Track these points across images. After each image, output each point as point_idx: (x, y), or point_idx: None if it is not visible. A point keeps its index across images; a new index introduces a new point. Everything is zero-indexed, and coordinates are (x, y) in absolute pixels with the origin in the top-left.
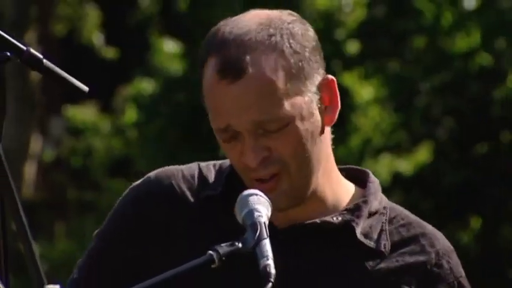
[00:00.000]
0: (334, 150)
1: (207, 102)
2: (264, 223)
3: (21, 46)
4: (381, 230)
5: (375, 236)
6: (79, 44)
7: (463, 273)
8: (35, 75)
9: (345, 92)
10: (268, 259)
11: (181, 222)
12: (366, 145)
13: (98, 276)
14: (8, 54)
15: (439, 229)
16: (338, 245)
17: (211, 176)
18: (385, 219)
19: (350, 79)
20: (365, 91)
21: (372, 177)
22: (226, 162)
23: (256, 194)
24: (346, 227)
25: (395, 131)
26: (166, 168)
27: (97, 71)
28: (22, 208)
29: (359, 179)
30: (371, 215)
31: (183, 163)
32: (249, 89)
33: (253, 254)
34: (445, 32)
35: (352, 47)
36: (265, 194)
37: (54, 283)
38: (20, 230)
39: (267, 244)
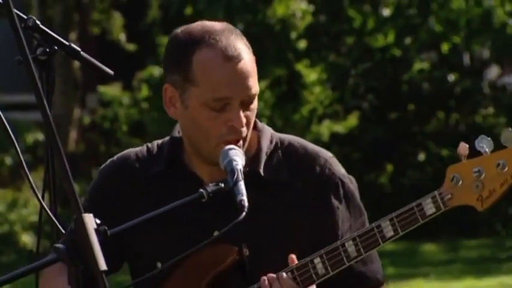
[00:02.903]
0: (291, 117)
1: (206, 78)
2: (240, 169)
3: (65, 42)
4: (277, 164)
5: (274, 171)
6: (108, 40)
7: (343, 172)
8: (76, 63)
9: (298, 76)
10: (243, 195)
11: (138, 193)
12: (312, 113)
13: None
14: (56, 48)
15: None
16: (253, 186)
17: (155, 153)
18: (279, 153)
19: (301, 67)
20: (311, 75)
21: (259, 122)
22: (166, 140)
23: (235, 149)
24: (253, 173)
25: (333, 104)
26: (125, 151)
27: (121, 60)
28: (65, 158)
29: (253, 126)
30: (267, 154)
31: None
32: (247, 71)
33: (232, 192)
34: (368, 32)
35: (302, 44)
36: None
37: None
38: (64, 174)
39: (242, 185)
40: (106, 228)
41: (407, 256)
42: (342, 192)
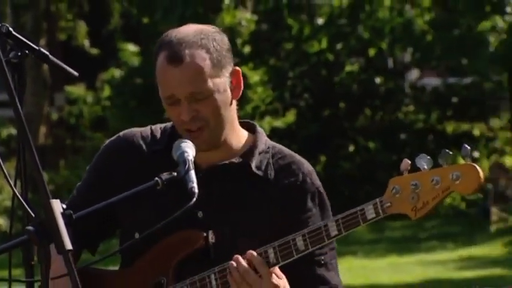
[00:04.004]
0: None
1: (158, 80)
2: (190, 160)
3: (35, 47)
4: (267, 163)
5: (263, 168)
6: (73, 45)
7: (321, 185)
8: (45, 66)
9: (243, 78)
10: (193, 183)
11: (138, 165)
12: (255, 110)
13: (88, 195)
14: (27, 52)
15: None
16: (240, 177)
17: (158, 135)
18: (270, 156)
19: (245, 69)
20: (254, 77)
21: (259, 127)
22: (169, 124)
23: (186, 142)
24: (244, 164)
25: (273, 102)
26: (131, 129)
27: (85, 63)
28: (35, 150)
29: (251, 129)
30: (260, 153)
31: (139, 124)
32: (186, 71)
33: (183, 180)
34: (304, 39)
35: (246, 49)
36: (192, 140)
37: (55, 198)
38: (34, 164)
39: (192, 173)
40: (71, 212)
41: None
42: (317, 200)
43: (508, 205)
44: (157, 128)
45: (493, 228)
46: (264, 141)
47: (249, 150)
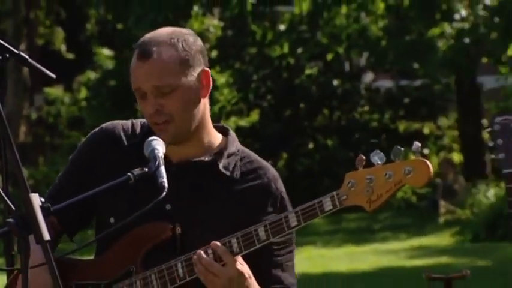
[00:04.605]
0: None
1: (131, 75)
2: (161, 157)
3: (16, 51)
4: (235, 165)
5: (231, 169)
6: (51, 50)
7: (284, 190)
8: (25, 69)
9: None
10: (163, 178)
11: (118, 156)
12: (222, 110)
13: (69, 184)
14: (8, 56)
15: (266, 160)
16: (209, 175)
17: (138, 129)
18: (238, 158)
19: (212, 72)
20: (221, 79)
21: (231, 131)
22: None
23: (157, 139)
24: (213, 163)
25: (238, 103)
26: (113, 122)
27: (62, 66)
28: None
29: (224, 132)
30: (229, 155)
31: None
32: (152, 66)
33: (154, 175)
34: (267, 44)
35: (213, 53)
36: (159, 133)
37: (34, 192)
38: (14, 160)
39: (162, 169)
40: (49, 205)
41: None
42: (279, 205)
43: (455, 198)
44: (138, 122)
45: (441, 219)
46: (235, 144)
47: (220, 151)
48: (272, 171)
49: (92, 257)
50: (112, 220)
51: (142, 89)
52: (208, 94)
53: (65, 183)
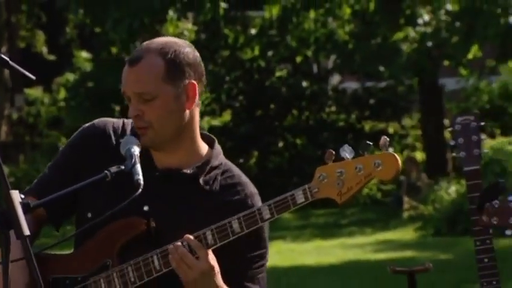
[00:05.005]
0: None
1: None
2: (136, 155)
3: None
4: (215, 179)
5: (211, 183)
6: (32, 52)
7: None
8: (6, 71)
9: None
10: (139, 175)
11: (106, 153)
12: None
13: (57, 174)
14: None
15: (236, 158)
16: (189, 187)
17: (129, 128)
18: (220, 172)
19: None
20: None
21: (216, 144)
22: None
23: (133, 138)
24: (195, 176)
25: (211, 103)
26: (105, 119)
27: (43, 68)
28: None
29: (210, 143)
30: (212, 169)
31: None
32: (137, 72)
33: (130, 172)
34: (239, 47)
35: None
36: (140, 136)
37: (15, 190)
38: None
39: (138, 167)
40: (29, 202)
41: (269, 222)
42: None
43: (418, 195)
44: (129, 122)
45: (405, 215)
46: (219, 158)
47: (203, 164)
48: (250, 188)
49: (69, 252)
50: (89, 215)
51: (126, 93)
52: (193, 106)
53: (53, 173)
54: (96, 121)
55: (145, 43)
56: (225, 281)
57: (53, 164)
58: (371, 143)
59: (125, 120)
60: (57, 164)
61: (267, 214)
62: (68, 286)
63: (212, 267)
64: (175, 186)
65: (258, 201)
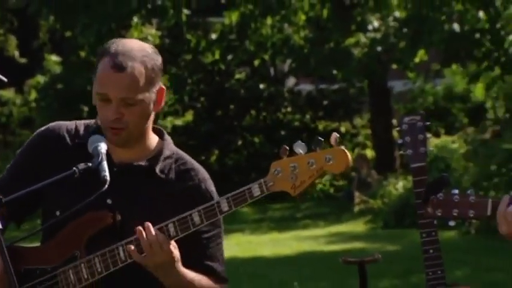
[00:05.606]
0: None
1: (98, 78)
2: (103, 153)
3: None
4: (170, 168)
5: (166, 171)
6: (5, 56)
7: (213, 190)
8: None
9: None
10: (106, 172)
11: (61, 153)
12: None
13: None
14: None
15: (197, 156)
16: (146, 177)
17: (82, 130)
18: (173, 161)
19: None
20: None
21: (166, 134)
22: (92, 121)
23: (99, 137)
24: (150, 167)
25: (174, 104)
26: (59, 122)
27: (15, 70)
28: None
29: (160, 135)
30: (165, 159)
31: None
32: (124, 79)
33: (97, 169)
34: (201, 51)
35: None
36: (112, 135)
37: None
38: None
39: (105, 164)
40: (1, 197)
41: (228, 216)
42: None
43: (368, 190)
44: (82, 123)
45: (356, 209)
46: (170, 147)
47: (156, 155)
48: (202, 173)
49: (40, 245)
50: (58, 213)
51: (108, 95)
52: (159, 109)
53: (13, 175)
54: (50, 125)
55: (122, 49)
56: (186, 262)
57: (12, 166)
58: (322, 139)
59: (77, 122)
60: (16, 165)
61: (225, 207)
62: (38, 276)
63: (174, 257)
64: (134, 179)
65: (210, 185)
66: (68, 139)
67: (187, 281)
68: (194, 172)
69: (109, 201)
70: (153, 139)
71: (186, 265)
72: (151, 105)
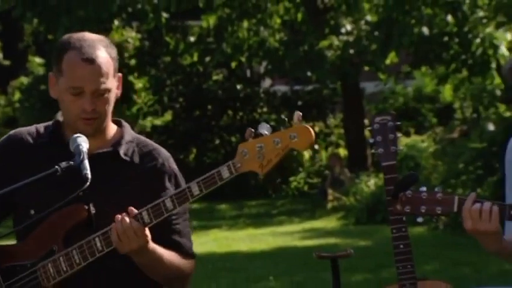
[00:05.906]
0: (125, 114)
1: (67, 72)
2: (85, 151)
3: None
4: (133, 151)
5: (130, 154)
6: None
7: (176, 168)
8: None
9: (130, 85)
10: (87, 170)
11: (27, 156)
12: (139, 111)
13: None
14: None
15: (176, 155)
16: (112, 163)
17: (42, 130)
18: (135, 145)
19: (131, 78)
20: (139, 84)
21: (124, 122)
22: (50, 123)
23: (81, 136)
24: (115, 152)
25: (154, 105)
26: (19, 129)
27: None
28: None
29: (118, 124)
30: (127, 143)
31: (45, 122)
32: (97, 70)
33: (79, 167)
34: (180, 53)
35: (132, 62)
36: (85, 126)
37: None
38: None
39: (86, 162)
40: None
41: (206, 213)
42: (174, 181)
43: (341, 187)
44: (41, 126)
45: (329, 206)
46: (130, 133)
47: (118, 140)
48: (164, 152)
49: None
50: (32, 212)
51: (83, 88)
52: (119, 94)
53: None
54: (11, 132)
55: (83, 40)
56: (154, 238)
57: None
58: (286, 118)
59: (37, 126)
60: None
61: (196, 190)
62: (18, 273)
63: (148, 240)
64: (100, 167)
65: (172, 163)
66: (31, 141)
67: (157, 257)
68: (156, 152)
69: (81, 193)
70: (112, 128)
71: (154, 240)
72: (115, 92)
